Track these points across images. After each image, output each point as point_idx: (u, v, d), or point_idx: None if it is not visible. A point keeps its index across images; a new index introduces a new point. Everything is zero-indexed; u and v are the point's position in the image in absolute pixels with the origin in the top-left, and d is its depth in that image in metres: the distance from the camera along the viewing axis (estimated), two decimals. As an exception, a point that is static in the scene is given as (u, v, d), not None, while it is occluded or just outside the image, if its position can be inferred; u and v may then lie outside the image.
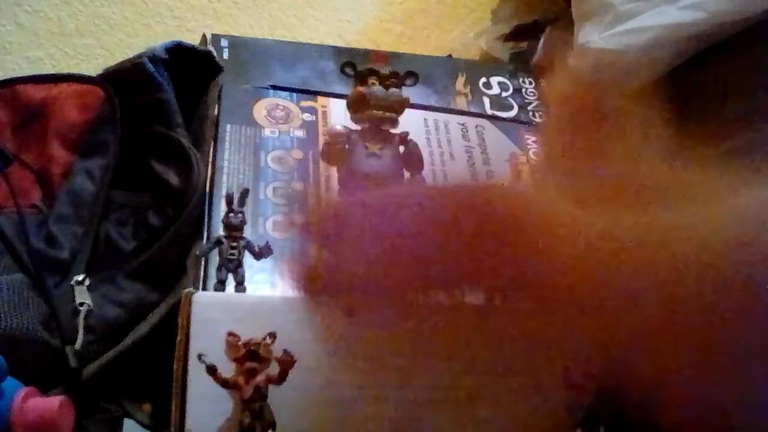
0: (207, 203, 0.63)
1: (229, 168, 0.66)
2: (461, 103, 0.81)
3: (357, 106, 0.50)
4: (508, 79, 0.85)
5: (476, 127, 0.77)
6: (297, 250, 0.61)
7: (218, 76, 0.72)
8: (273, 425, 0.42)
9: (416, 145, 0.52)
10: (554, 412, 0.46)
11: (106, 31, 1.00)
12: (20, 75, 0.71)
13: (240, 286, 0.48)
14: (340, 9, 1.11)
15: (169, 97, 0.67)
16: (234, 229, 0.48)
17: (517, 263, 0.29)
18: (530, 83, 0.86)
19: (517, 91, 0.84)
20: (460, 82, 0.83)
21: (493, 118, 0.80)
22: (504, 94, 0.84)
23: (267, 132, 0.69)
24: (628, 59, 0.80)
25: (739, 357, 0.25)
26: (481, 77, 0.84)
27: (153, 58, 0.67)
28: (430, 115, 0.76)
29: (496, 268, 0.30)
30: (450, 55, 0.96)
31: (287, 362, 0.42)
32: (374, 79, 0.50)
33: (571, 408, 0.44)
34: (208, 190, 0.63)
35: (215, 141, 0.67)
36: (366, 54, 0.86)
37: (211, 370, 0.41)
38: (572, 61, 0.87)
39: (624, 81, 0.82)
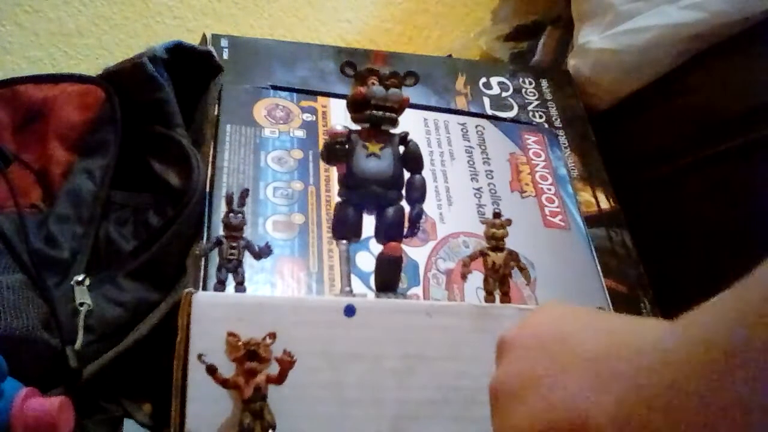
0: (207, 203, 0.63)
1: (229, 168, 0.66)
2: (461, 103, 0.81)
3: (357, 106, 0.50)
4: (508, 79, 0.85)
5: (476, 127, 0.77)
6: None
7: (218, 76, 0.72)
8: (273, 425, 0.42)
9: (416, 145, 0.52)
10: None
11: (106, 31, 0.99)
12: (20, 75, 0.71)
13: (240, 286, 0.48)
14: (340, 9, 1.11)
15: (169, 97, 0.67)
16: (234, 229, 0.47)
17: None
18: (530, 83, 0.86)
19: (517, 91, 0.84)
20: (460, 82, 0.83)
21: (493, 118, 0.80)
22: (504, 94, 0.84)
23: (267, 132, 0.69)
24: (628, 59, 0.80)
25: None
26: (481, 77, 0.84)
27: (153, 58, 0.67)
28: (430, 115, 0.77)
29: None
30: (450, 55, 0.96)
31: (287, 362, 0.42)
32: (374, 79, 0.49)
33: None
34: (208, 190, 0.64)
35: (215, 141, 0.67)
36: (366, 54, 0.86)
37: (211, 370, 0.41)
38: (572, 61, 0.87)
39: (624, 81, 0.83)
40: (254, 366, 0.42)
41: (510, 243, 0.52)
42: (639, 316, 0.39)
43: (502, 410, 0.34)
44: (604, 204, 0.77)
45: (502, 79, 0.85)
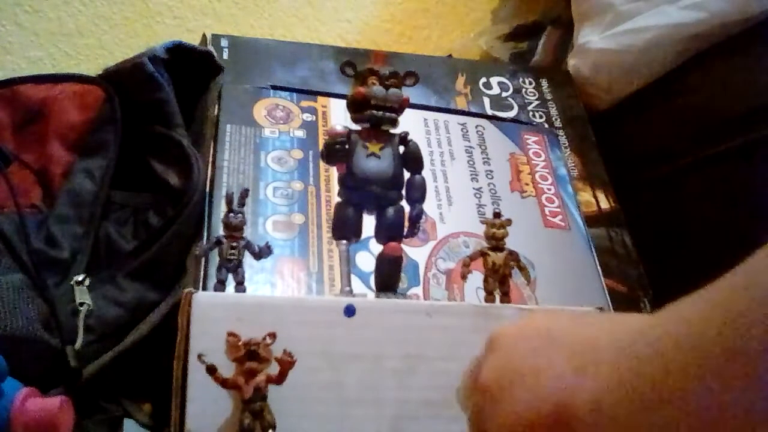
0: (207, 203, 0.63)
1: (229, 168, 0.66)
2: (461, 103, 0.81)
3: (357, 106, 0.50)
4: (508, 79, 0.85)
5: (476, 127, 0.77)
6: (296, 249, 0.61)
7: (218, 76, 0.72)
8: (273, 425, 0.42)
9: (416, 145, 0.52)
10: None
11: (106, 31, 0.99)
12: (20, 75, 0.71)
13: (240, 286, 0.48)
14: (340, 9, 1.10)
15: (169, 97, 0.67)
16: (234, 229, 0.48)
17: None
18: (530, 83, 0.86)
19: (517, 91, 0.84)
20: (460, 82, 0.83)
21: (493, 118, 0.80)
22: (504, 94, 0.84)
23: (267, 132, 0.69)
24: (628, 59, 0.80)
25: None
26: (481, 77, 0.84)
27: (153, 58, 0.67)
28: (430, 115, 0.77)
29: None
30: (450, 55, 0.96)
31: (287, 362, 0.42)
32: (374, 79, 0.49)
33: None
34: (208, 190, 0.64)
35: (215, 141, 0.67)
36: (366, 54, 0.86)
37: (211, 370, 0.41)
38: (572, 61, 0.87)
39: (624, 81, 0.83)
40: (254, 366, 0.42)
41: (510, 243, 0.52)
42: (625, 313, 0.39)
43: (490, 405, 0.34)
44: (604, 204, 0.77)
45: (502, 79, 0.85)
